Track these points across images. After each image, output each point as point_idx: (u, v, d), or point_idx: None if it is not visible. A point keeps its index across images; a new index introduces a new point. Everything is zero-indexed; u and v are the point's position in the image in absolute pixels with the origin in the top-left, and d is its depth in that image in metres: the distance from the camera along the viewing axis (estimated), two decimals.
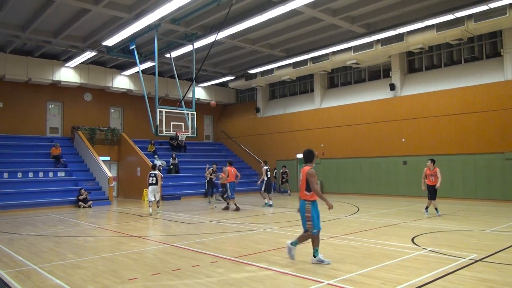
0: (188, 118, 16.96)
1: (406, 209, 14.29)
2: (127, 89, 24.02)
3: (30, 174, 18.35)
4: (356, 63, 19.90)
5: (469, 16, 15.09)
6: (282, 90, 26.98)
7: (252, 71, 23.47)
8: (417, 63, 20.15)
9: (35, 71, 20.66)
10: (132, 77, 23.87)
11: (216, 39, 15.26)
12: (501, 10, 14.39)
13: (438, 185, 12.08)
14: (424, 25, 15.89)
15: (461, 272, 5.73)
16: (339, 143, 21.93)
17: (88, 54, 19.48)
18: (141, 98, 22.02)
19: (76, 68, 21.81)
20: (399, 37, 17.19)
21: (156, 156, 22.85)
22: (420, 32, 16.62)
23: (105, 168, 19.77)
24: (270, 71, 23.16)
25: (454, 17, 14.99)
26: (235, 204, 14.68)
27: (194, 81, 17.27)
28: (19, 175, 18.01)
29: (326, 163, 22.58)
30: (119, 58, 21.18)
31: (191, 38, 17.41)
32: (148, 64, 20.91)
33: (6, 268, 6.46)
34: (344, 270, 5.95)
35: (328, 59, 20.04)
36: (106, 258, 7.14)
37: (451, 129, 17.78)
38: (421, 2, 14.90)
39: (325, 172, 22.56)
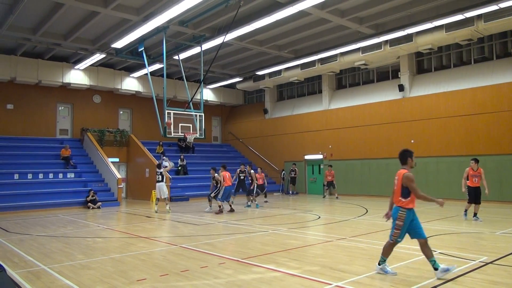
0: (196, 119, 17.01)
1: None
2: (135, 91, 24.18)
3: (40, 175, 18.53)
4: (364, 64, 19.81)
5: (479, 16, 14.95)
6: (290, 92, 26.95)
7: (260, 73, 23.48)
8: (426, 63, 20.00)
9: (45, 74, 20.90)
10: (141, 79, 24.02)
11: (224, 40, 15.31)
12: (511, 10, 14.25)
13: (486, 190, 11.13)
14: (433, 26, 15.77)
15: (471, 275, 5.67)
16: (348, 145, 21.83)
17: (97, 57, 19.65)
18: (149, 99, 22.15)
19: (85, 70, 22.02)
20: (408, 38, 17.09)
21: (164, 158, 22.94)
22: (429, 33, 16.50)
23: (114, 169, 19.91)
24: (278, 72, 23.16)
25: (464, 17, 14.85)
26: (219, 206, 14.40)
27: (202, 83, 17.32)
28: (29, 176, 18.20)
29: (334, 165, 22.48)
30: (128, 60, 21.33)
31: (199, 40, 17.47)
32: (156, 66, 21.03)
33: (17, 269, 6.53)
34: (353, 272, 5.91)
35: (336, 60, 19.98)
36: (115, 259, 7.18)
37: (460, 130, 17.60)
38: (430, 3, 14.80)
39: (334, 174, 22.43)
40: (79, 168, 20.29)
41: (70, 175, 19.46)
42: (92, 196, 17.44)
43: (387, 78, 21.47)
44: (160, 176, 15.25)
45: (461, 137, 17.58)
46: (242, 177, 17.47)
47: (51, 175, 18.83)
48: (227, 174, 14.58)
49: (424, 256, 5.55)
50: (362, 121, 21.22)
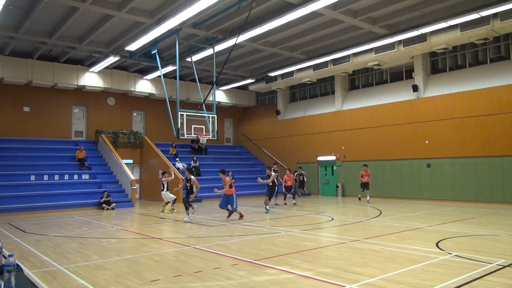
0: (209, 121, 17.08)
1: (429, 212, 13.99)
2: (149, 93, 24.40)
3: (56, 177, 18.82)
4: (377, 65, 19.65)
5: (495, 15, 14.70)
6: (302, 93, 26.88)
7: (272, 74, 23.47)
8: (440, 63, 19.74)
9: (60, 76, 21.23)
10: (154, 81, 24.24)
11: (236, 42, 15.34)
12: None
13: None
14: (448, 25, 15.57)
15: (488, 278, 5.56)
16: (361, 146, 21.67)
17: (111, 59, 19.90)
18: (162, 101, 22.33)
19: (99, 73, 22.31)
20: (422, 38, 16.90)
21: (177, 159, 23.10)
22: (443, 32, 16.30)
23: (128, 170, 20.11)
24: (290, 73, 23.12)
25: (479, 16, 14.63)
26: (240, 214, 13.07)
27: (214, 85, 17.39)
28: (45, 177, 18.50)
29: (347, 166, 22.34)
30: (141, 63, 21.55)
31: (212, 42, 17.56)
32: (169, 68, 21.21)
33: (33, 268, 6.64)
34: (366, 274, 5.86)
35: (349, 60, 19.86)
36: (129, 259, 7.25)
37: (476, 130, 17.32)
38: (445, 2, 14.61)
39: (347, 175, 22.31)
40: (93, 169, 20.55)
41: (85, 177, 19.72)
42: (106, 197, 17.64)
43: (400, 78, 21.26)
44: (162, 186, 16.19)
45: (477, 138, 17.30)
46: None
47: (66, 177, 19.11)
48: (227, 179, 12.90)
49: (439, 259, 5.45)
50: (376, 122, 21.04)
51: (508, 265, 6.21)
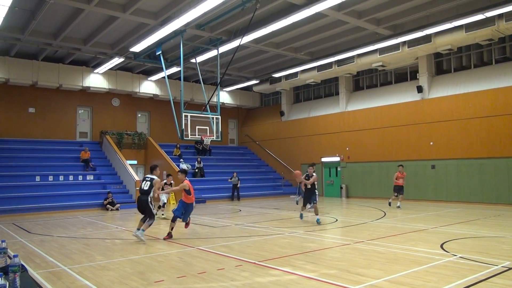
0: (213, 122, 17.11)
1: (434, 214, 13.92)
2: (153, 94, 24.48)
3: (61, 178, 18.92)
4: (382, 66, 19.60)
5: (500, 16, 14.62)
6: (306, 94, 26.86)
7: (277, 75, 23.47)
8: (445, 64, 19.67)
9: (65, 78, 21.34)
10: (158, 82, 24.31)
11: (241, 43, 15.36)
12: None
13: None
14: (453, 26, 15.49)
15: (493, 280, 5.53)
16: (365, 147, 21.62)
17: (116, 61, 19.97)
18: (167, 102, 22.36)
19: (104, 74, 22.40)
20: (427, 39, 16.84)
21: (181, 160, 23.15)
22: (448, 33, 16.23)
23: (132, 171, 20.17)
24: (295, 74, 23.11)
25: (484, 17, 14.55)
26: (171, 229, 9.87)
27: (219, 86, 17.42)
28: (50, 178, 18.60)
29: (351, 167, 22.29)
30: (146, 64, 21.62)
31: (216, 43, 17.59)
32: (174, 69, 21.26)
33: (38, 269, 6.67)
34: (371, 275, 5.84)
35: (354, 61, 19.82)
36: (133, 260, 7.27)
37: (482, 132, 17.23)
38: (450, 2, 14.54)
39: (351, 176, 22.27)
40: (98, 170, 20.62)
41: (90, 177, 19.80)
42: (110, 199, 17.70)
43: (405, 79, 21.19)
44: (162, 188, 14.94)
45: (482, 139, 17.20)
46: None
47: (71, 177, 19.20)
48: (186, 183, 9.72)
49: (444, 261, 5.42)
50: (380, 123, 20.99)
51: None
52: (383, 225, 11.39)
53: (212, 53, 18.51)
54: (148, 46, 17.48)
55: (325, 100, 25.08)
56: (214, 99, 18.50)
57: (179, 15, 13.85)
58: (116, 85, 22.95)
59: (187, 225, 10.38)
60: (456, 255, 7.09)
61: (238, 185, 21.70)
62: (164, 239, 9.45)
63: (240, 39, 15.00)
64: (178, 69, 19.56)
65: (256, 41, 18.16)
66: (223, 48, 17.87)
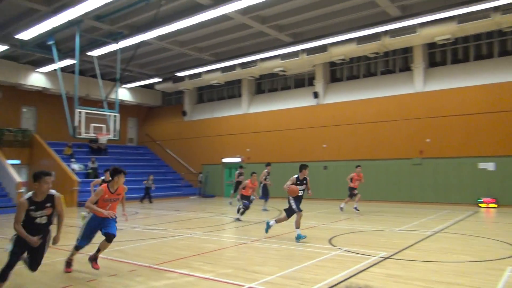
0: (111, 120, 16.23)
1: (325, 211, 14.97)
2: (42, 88, 22.35)
3: None
4: (282, 71, 20.52)
5: (386, 32, 16.32)
6: (209, 94, 26.91)
7: (180, 74, 23.12)
8: (338, 73, 21.30)
9: None
10: (49, 74, 22.25)
11: (144, 39, 14.83)
12: (412, 29, 15.79)
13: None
14: (346, 38, 16.85)
15: (371, 269, 6.13)
16: (265, 148, 22.38)
17: None
18: (58, 97, 20.62)
19: None
20: (323, 48, 18.05)
21: (72, 160, 21.51)
22: (342, 44, 17.60)
23: (13, 172, 18.16)
24: (198, 74, 23.01)
25: (373, 32, 16.12)
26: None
27: (118, 82, 16.59)
28: None
29: (252, 168, 22.86)
30: (34, 54, 19.66)
31: (117, 37, 16.71)
32: (68, 62, 19.64)
33: None
34: (265, 272, 6.06)
35: (256, 65, 20.42)
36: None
37: (367, 136, 19.02)
38: (344, 16, 15.78)
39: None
40: None
41: None
42: None
43: (303, 85, 22.46)
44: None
45: (367, 143, 19.00)
46: (268, 183, 15.92)
47: None
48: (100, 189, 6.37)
49: (331, 254, 5.85)
50: (280, 125, 21.92)
51: (388, 257, 6.92)
52: (279, 223, 11.87)
53: (112, 47, 17.54)
54: (39, 34, 15.91)
55: (228, 102, 25.40)
56: (113, 95, 17.55)
57: (75, 3, 12.88)
58: None
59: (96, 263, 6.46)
60: (342, 249, 7.70)
61: (153, 188, 20.43)
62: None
63: (143, 35, 14.48)
64: (73, 61, 18.13)
65: (160, 38, 17.68)
66: (125, 43, 17.05)
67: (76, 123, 14.83)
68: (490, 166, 16.20)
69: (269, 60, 20.05)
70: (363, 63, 20.43)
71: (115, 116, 16.38)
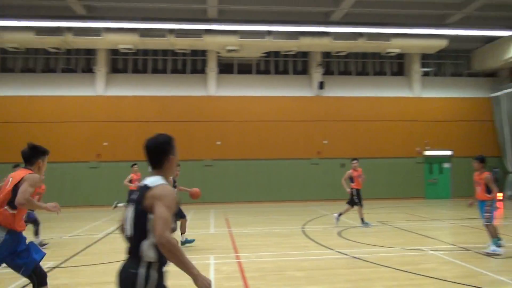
0: None
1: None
2: None
3: None
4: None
5: (70, 29, 15.65)
6: None
7: None
8: (10, 63, 18.62)
9: None
10: None
11: None
12: (97, 32, 15.86)
13: None
14: (23, 25, 15.07)
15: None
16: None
17: None
18: None
19: None
20: None
21: None
22: (17, 31, 15.62)
23: None
24: None
25: (56, 26, 15.17)
26: None
27: None
28: None
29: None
30: None
31: None
32: None
33: None
34: None
35: None
36: None
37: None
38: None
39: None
40: None
41: None
42: None
43: None
44: None
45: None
46: None
47: None
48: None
49: None
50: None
51: (57, 266, 6.63)
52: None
53: None
54: None
55: None
56: None
57: None
58: None
59: None
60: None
61: None
62: None
63: None
64: None
65: None
66: None
67: None
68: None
69: None
70: (42, 56, 18.65)
71: None
